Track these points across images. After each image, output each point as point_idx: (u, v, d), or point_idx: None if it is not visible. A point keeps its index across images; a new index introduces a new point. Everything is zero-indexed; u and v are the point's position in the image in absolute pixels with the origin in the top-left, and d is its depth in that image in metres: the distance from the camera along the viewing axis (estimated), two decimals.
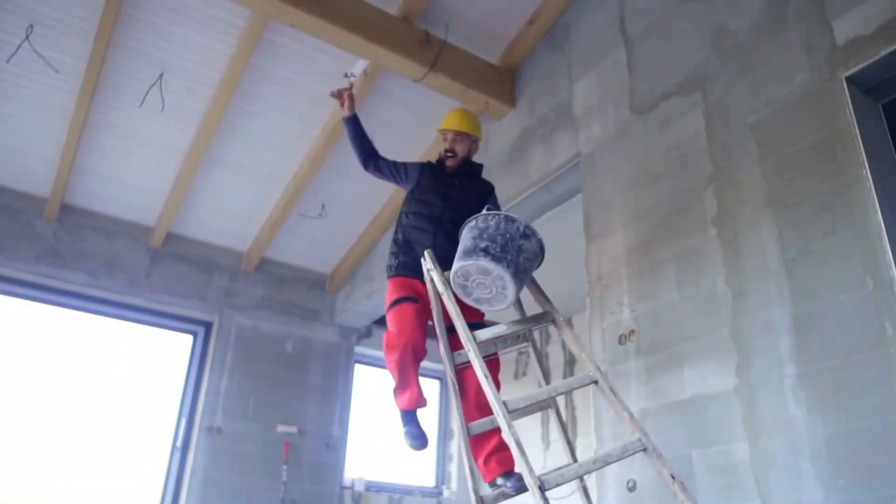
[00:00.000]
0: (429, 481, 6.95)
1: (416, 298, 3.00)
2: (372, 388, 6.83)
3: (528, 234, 2.49)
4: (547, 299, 2.70)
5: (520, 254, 2.45)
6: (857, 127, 2.52)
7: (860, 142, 2.49)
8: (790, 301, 2.57)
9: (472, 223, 2.54)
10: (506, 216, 2.51)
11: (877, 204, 2.38)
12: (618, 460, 2.26)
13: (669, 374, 2.96)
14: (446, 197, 3.18)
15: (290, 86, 4.68)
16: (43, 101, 4.62)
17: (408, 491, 6.64)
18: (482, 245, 2.44)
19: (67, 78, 4.45)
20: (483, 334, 2.51)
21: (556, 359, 6.54)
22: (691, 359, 2.89)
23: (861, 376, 2.29)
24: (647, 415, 2.99)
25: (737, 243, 2.83)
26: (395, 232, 3.25)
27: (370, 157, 3.32)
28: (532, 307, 2.77)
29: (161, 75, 4.50)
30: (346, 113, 3.31)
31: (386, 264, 3.25)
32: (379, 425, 6.59)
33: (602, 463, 2.23)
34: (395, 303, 3.03)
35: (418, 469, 6.91)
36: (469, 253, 2.46)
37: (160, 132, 4.94)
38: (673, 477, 2.18)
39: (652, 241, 3.24)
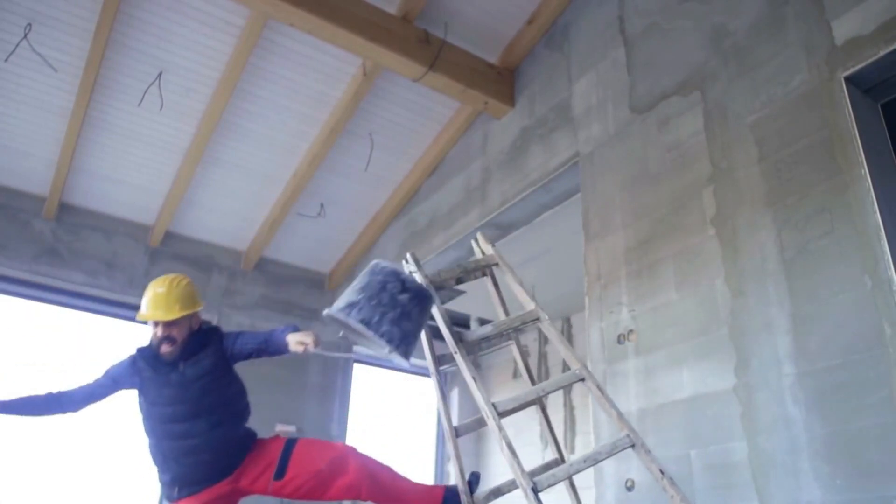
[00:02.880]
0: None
1: None
2: (370, 387, 6.83)
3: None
4: (531, 297, 2.66)
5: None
6: (855, 127, 2.52)
7: (859, 142, 2.49)
8: (789, 301, 2.57)
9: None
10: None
11: (875, 204, 2.38)
12: (607, 457, 2.27)
13: (668, 374, 2.96)
14: (184, 385, 2.63)
15: (289, 85, 4.67)
16: (41, 100, 4.61)
17: None
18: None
19: (66, 77, 4.44)
20: (470, 336, 2.48)
21: (555, 358, 6.54)
22: (690, 358, 2.89)
23: (859, 376, 2.29)
24: (646, 414, 2.99)
25: (736, 243, 2.84)
26: (150, 446, 2.70)
27: (67, 405, 2.72)
28: (514, 307, 2.76)
29: (160, 74, 4.49)
30: None
31: (160, 480, 2.73)
32: (378, 424, 6.59)
33: (592, 461, 2.23)
34: None
35: (417, 469, 6.91)
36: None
37: (159, 131, 4.93)
38: (662, 472, 2.19)
39: (651, 241, 3.24)
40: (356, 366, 6.66)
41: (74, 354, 5.47)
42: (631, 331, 3.21)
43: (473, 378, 2.30)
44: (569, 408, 6.14)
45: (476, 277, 2.85)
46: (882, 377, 2.23)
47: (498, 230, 4.67)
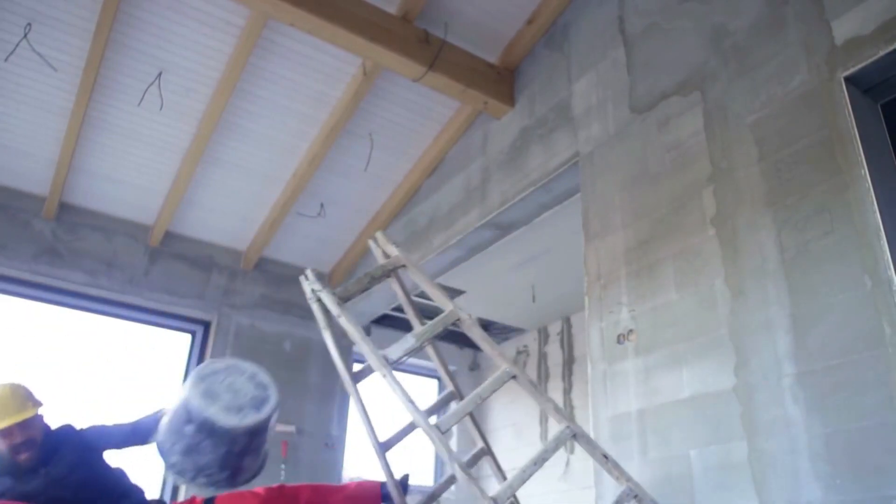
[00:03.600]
0: (427, 481, 6.95)
1: None
2: (370, 387, 6.83)
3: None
4: (448, 297, 2.56)
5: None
6: (855, 127, 2.52)
7: (859, 142, 2.49)
8: (788, 301, 2.57)
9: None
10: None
11: (875, 204, 2.39)
12: (553, 452, 2.30)
13: (668, 374, 2.96)
14: (55, 487, 2.51)
15: (290, 85, 4.68)
16: (41, 99, 4.61)
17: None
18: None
19: (66, 77, 4.44)
20: (394, 353, 2.35)
21: (554, 358, 6.54)
22: (690, 358, 2.89)
23: (859, 376, 2.29)
24: (645, 414, 2.99)
25: (735, 243, 2.84)
26: None
27: None
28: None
29: (160, 74, 4.49)
30: None
31: None
32: (377, 425, 6.57)
33: (541, 461, 2.23)
34: None
35: (417, 469, 6.91)
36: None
37: (159, 131, 4.93)
38: (606, 457, 2.23)
39: (651, 241, 3.24)
40: (355, 366, 6.64)
41: (74, 354, 5.47)
42: (631, 331, 3.21)
43: (410, 400, 2.23)
44: (568, 408, 6.14)
45: (383, 281, 2.67)
46: (882, 377, 2.23)
47: (498, 230, 4.67)
